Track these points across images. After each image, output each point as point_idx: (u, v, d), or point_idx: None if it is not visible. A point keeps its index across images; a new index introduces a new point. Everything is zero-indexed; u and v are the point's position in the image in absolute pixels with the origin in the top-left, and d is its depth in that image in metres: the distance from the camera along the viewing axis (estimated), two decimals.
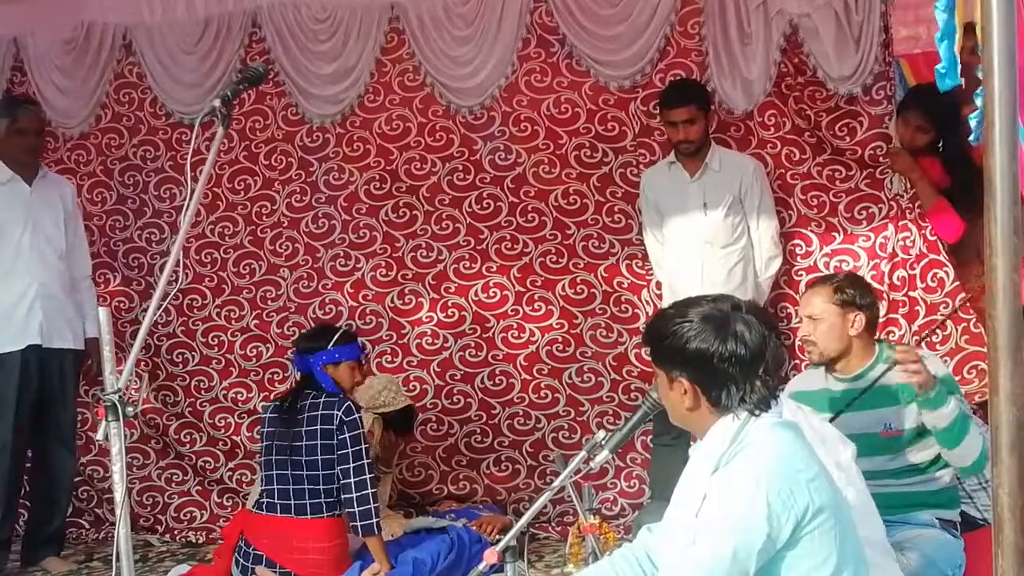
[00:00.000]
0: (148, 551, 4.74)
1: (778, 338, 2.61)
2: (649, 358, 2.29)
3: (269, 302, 4.96)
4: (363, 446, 3.82)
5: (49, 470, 4.59)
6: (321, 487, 3.81)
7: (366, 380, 4.24)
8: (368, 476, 3.80)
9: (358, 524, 3.76)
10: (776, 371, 2.23)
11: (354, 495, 3.76)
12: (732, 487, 2.08)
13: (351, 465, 3.77)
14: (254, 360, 4.96)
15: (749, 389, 2.15)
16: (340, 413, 3.79)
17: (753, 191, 4.24)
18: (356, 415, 3.85)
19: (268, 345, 4.95)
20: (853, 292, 3.21)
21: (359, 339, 4.21)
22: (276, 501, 3.86)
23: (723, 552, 2.04)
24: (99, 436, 2.37)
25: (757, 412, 2.15)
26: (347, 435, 3.79)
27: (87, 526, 5.09)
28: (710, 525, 2.09)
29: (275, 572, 3.77)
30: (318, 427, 3.82)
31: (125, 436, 2.39)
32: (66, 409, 4.57)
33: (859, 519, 2.43)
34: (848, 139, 4.28)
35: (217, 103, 2.54)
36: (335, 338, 3.97)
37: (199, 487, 5.01)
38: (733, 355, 2.13)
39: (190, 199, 2.49)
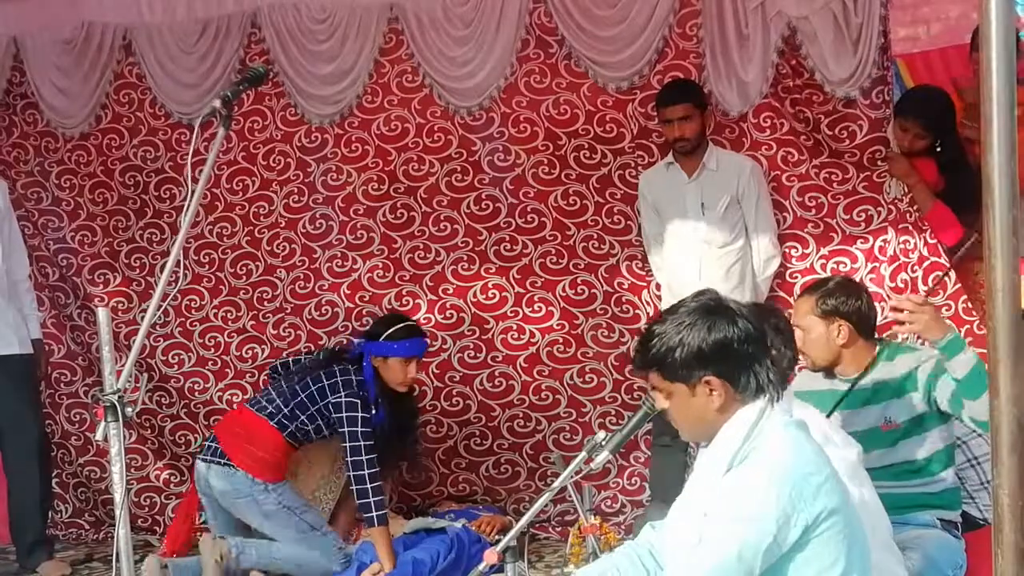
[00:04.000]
0: (148, 551, 4.73)
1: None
2: (652, 383, 2.22)
3: (266, 303, 4.94)
4: (362, 443, 3.86)
5: (13, 481, 4.52)
6: (289, 404, 4.00)
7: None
8: (367, 471, 3.83)
9: (362, 515, 3.84)
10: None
11: (354, 487, 3.83)
12: (743, 487, 2.08)
13: (349, 459, 3.88)
14: (249, 362, 4.94)
15: (768, 365, 2.16)
16: (345, 398, 3.93)
17: (750, 191, 4.24)
18: (359, 414, 3.89)
19: (263, 347, 4.93)
20: (835, 301, 3.17)
21: (424, 337, 4.22)
22: (256, 398, 4.16)
23: (729, 551, 2.04)
24: (98, 436, 2.37)
25: (774, 399, 2.15)
26: (346, 429, 3.89)
27: (87, 527, 5.10)
28: (717, 524, 2.09)
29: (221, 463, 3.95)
30: (324, 383, 3.98)
31: (124, 437, 2.39)
32: (23, 417, 4.46)
33: (866, 520, 2.44)
34: (847, 142, 4.26)
35: (217, 104, 2.54)
36: (392, 331, 4.03)
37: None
38: (747, 334, 2.14)
39: (190, 200, 2.48)
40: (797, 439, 2.13)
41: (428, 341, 4.31)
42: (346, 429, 3.88)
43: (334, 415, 3.95)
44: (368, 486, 3.80)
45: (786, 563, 2.08)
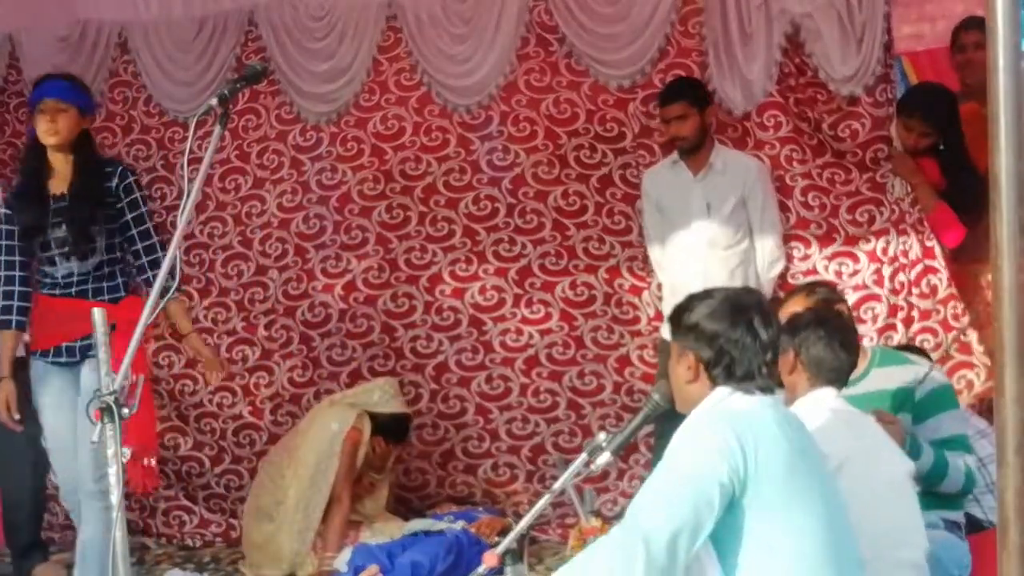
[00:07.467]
0: (144, 554, 4.73)
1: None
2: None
3: (257, 304, 4.87)
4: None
5: (6, 485, 4.47)
6: None
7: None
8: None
9: None
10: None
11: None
12: (692, 424, 2.23)
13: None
14: (239, 364, 4.85)
15: (759, 371, 2.26)
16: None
17: (756, 192, 4.20)
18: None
19: (254, 348, 4.86)
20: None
21: (56, 79, 3.83)
22: None
23: (678, 471, 2.15)
24: (94, 438, 2.34)
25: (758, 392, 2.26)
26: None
27: None
28: (669, 455, 2.21)
29: None
30: None
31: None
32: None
33: (897, 539, 2.54)
34: (850, 141, 4.24)
35: (214, 102, 2.51)
36: None
37: (184, 491, 4.95)
38: (751, 339, 2.25)
39: (187, 200, 2.45)
40: (764, 408, 2.23)
41: (67, 82, 3.80)
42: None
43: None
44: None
45: (740, 515, 2.14)
